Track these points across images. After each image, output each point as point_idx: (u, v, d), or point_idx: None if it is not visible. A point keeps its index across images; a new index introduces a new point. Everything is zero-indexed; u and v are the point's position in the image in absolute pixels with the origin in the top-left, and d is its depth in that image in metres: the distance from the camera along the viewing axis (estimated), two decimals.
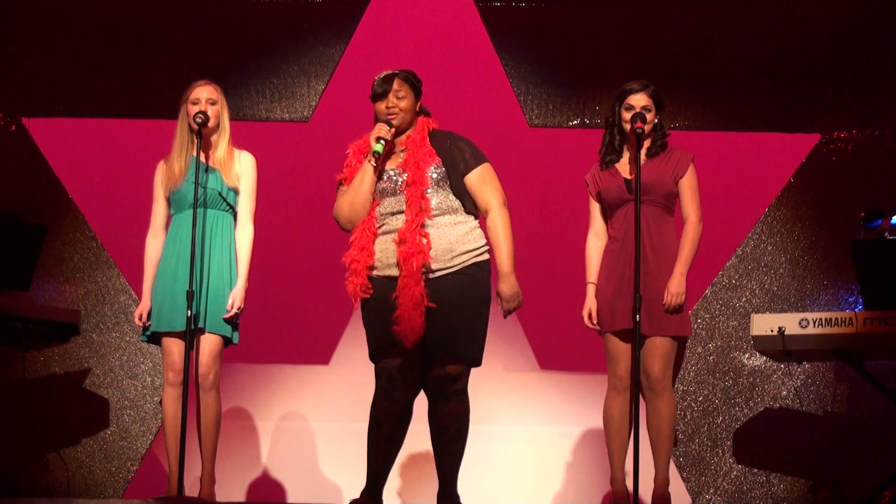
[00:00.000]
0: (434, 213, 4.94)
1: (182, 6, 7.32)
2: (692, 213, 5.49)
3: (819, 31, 7.12)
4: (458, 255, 4.92)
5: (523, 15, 7.26)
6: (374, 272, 4.96)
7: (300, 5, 7.31)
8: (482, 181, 5.03)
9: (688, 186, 5.48)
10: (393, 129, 4.99)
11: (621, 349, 5.43)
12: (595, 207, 5.60)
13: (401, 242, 4.89)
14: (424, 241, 4.89)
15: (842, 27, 7.10)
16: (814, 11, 7.12)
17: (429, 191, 4.94)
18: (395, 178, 5.00)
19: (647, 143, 5.52)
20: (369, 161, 4.96)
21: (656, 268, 5.42)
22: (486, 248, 5.02)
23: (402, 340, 4.84)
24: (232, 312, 5.47)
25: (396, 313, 4.84)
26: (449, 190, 4.99)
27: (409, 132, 5.08)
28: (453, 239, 4.93)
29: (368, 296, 4.95)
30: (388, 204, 4.99)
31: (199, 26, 7.29)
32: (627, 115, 5.47)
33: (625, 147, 5.56)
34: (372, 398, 4.99)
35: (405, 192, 4.95)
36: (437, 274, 4.90)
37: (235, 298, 5.48)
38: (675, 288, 5.37)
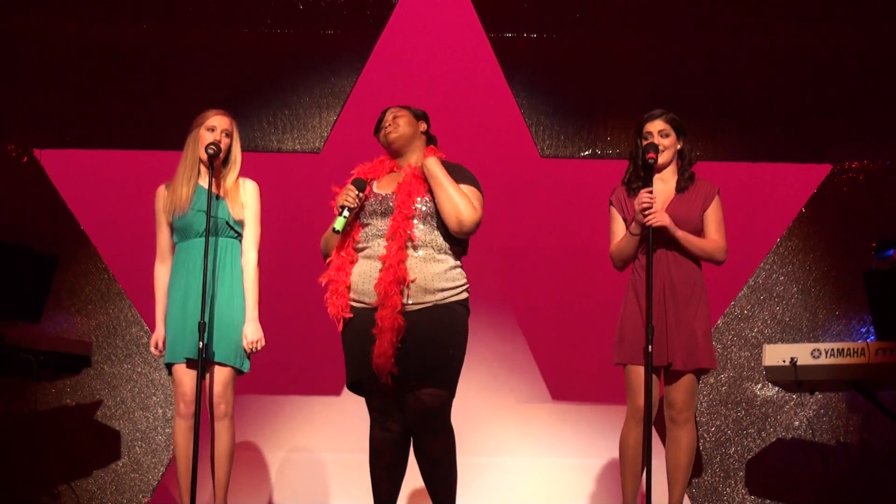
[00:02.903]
0: (416, 244, 4.84)
1: (193, 38, 7.33)
2: (721, 239, 5.48)
3: (830, 61, 7.13)
4: (435, 292, 4.81)
5: (534, 45, 7.28)
6: (353, 294, 4.87)
7: (311, 37, 7.33)
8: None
9: (713, 217, 5.48)
10: (362, 195, 4.92)
11: (643, 381, 5.40)
12: (619, 226, 5.54)
13: (383, 271, 4.80)
14: (407, 271, 4.79)
15: (853, 58, 7.11)
16: (825, 42, 7.13)
17: (414, 221, 4.87)
18: (387, 202, 4.92)
19: (674, 177, 5.51)
20: (333, 229, 4.90)
21: (685, 303, 5.39)
22: (466, 286, 4.93)
23: (378, 373, 4.77)
24: (250, 347, 5.43)
25: (376, 346, 4.75)
26: (434, 225, 4.89)
27: (413, 158, 5.05)
28: (429, 275, 4.82)
29: (349, 316, 4.86)
30: (375, 226, 4.91)
31: (211, 58, 7.31)
32: (643, 144, 5.46)
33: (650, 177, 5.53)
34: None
35: (391, 218, 4.88)
36: (416, 307, 4.79)
37: (248, 332, 5.43)
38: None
